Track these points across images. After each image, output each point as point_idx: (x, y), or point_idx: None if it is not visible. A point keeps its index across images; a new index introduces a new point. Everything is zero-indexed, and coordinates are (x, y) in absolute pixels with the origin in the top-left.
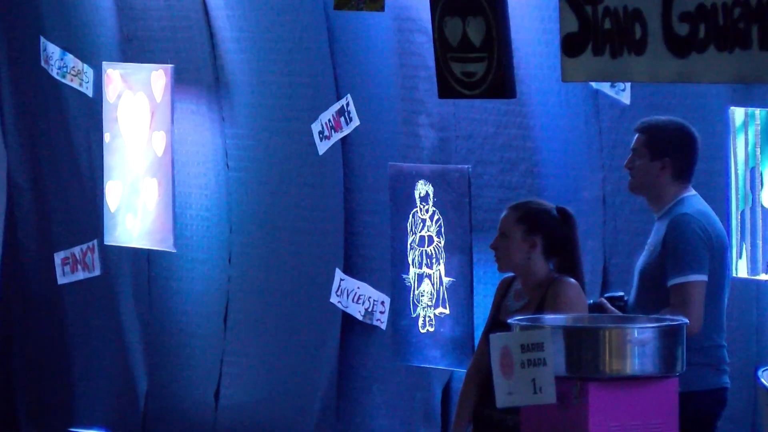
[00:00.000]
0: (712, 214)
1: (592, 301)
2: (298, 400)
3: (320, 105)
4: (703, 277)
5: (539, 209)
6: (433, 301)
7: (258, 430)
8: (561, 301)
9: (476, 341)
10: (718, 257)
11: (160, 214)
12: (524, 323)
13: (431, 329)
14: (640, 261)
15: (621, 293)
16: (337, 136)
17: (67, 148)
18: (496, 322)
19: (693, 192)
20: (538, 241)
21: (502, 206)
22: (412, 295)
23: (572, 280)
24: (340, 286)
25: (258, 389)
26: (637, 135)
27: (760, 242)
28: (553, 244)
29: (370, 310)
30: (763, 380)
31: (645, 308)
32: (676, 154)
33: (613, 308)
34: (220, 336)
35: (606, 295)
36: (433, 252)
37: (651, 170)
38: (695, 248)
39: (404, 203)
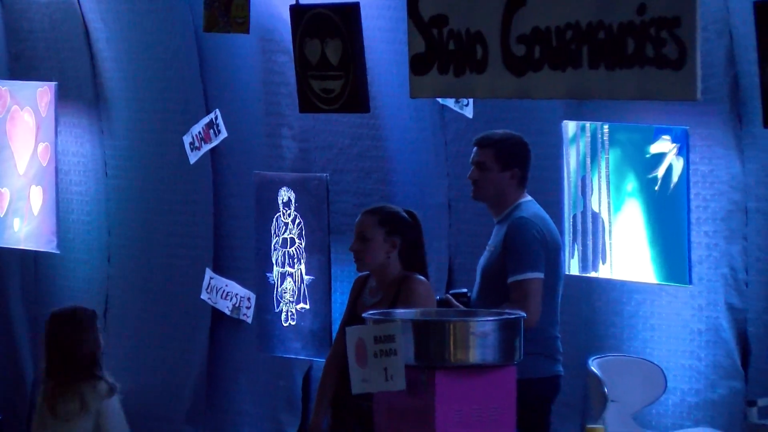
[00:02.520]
0: (547, 217)
1: (438, 297)
2: (171, 388)
3: (191, 118)
4: (540, 275)
5: (396, 212)
6: (295, 298)
7: (135, 416)
8: (412, 297)
9: (334, 334)
10: (552, 256)
11: (44, 219)
12: (377, 317)
13: (293, 323)
14: (482, 261)
15: (465, 290)
16: (206, 147)
17: None
18: (353, 317)
19: (529, 197)
20: (397, 241)
21: (358, 211)
22: (275, 292)
23: (422, 277)
24: (209, 283)
25: (135, 378)
26: (480, 149)
27: (590, 243)
28: (407, 244)
29: (237, 305)
30: (592, 368)
31: (487, 303)
32: (521, 163)
33: (458, 303)
34: (100, 329)
35: (451, 291)
36: (295, 252)
37: (502, 180)
38: (533, 248)
39: (268, 208)
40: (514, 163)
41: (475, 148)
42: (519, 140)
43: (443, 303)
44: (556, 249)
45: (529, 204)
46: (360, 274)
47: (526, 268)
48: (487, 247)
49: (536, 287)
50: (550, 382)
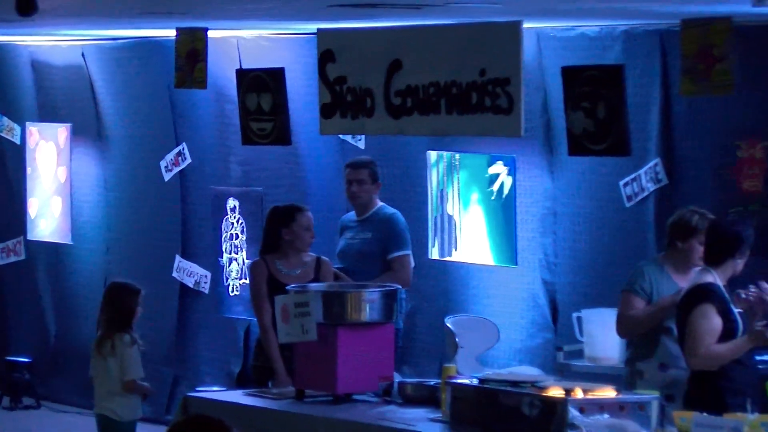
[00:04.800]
0: None
1: None
2: (151, 339)
3: (165, 149)
4: (410, 251)
5: None
6: (239, 275)
7: None
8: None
9: None
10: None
11: (62, 220)
12: (296, 289)
13: (237, 293)
14: (356, 246)
15: (345, 265)
16: (176, 169)
17: (4, 178)
18: (277, 285)
19: (382, 203)
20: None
21: None
22: (225, 271)
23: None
24: (178, 265)
25: None
26: (356, 169)
27: (446, 236)
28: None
29: (198, 281)
30: (447, 324)
31: (363, 276)
32: (379, 178)
33: (344, 275)
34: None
35: (336, 266)
36: (239, 244)
37: (371, 191)
38: (405, 233)
39: (220, 212)
40: (378, 178)
41: (349, 170)
42: (375, 162)
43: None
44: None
45: (386, 206)
46: (255, 260)
47: (403, 247)
48: (353, 239)
49: (409, 260)
50: (397, 333)
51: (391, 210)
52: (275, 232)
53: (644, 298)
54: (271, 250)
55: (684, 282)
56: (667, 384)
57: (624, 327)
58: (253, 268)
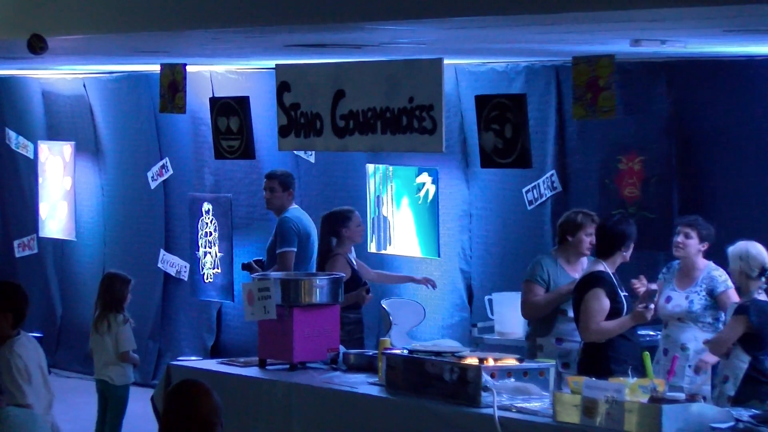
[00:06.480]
0: (305, 216)
1: (243, 262)
2: (140, 318)
3: (151, 162)
4: (293, 249)
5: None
6: (212, 265)
7: None
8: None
9: (235, 290)
10: (304, 239)
11: (68, 220)
12: (259, 276)
13: (211, 280)
14: (269, 243)
15: (261, 258)
16: (161, 179)
17: (19, 186)
18: (354, 273)
19: (296, 206)
20: None
21: (250, 216)
22: (201, 263)
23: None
24: (162, 258)
25: None
26: (269, 180)
27: (382, 233)
28: None
29: (179, 270)
30: (383, 305)
31: (272, 265)
32: (292, 186)
33: (257, 266)
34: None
35: (254, 258)
36: (212, 239)
37: (283, 197)
38: (289, 233)
39: (196, 214)
40: (290, 186)
41: (265, 179)
42: (290, 173)
43: (248, 266)
44: (308, 235)
45: (294, 210)
46: (336, 255)
47: (284, 245)
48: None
49: (290, 255)
50: None
51: (287, 213)
52: (334, 232)
53: (543, 286)
54: (330, 247)
55: (573, 271)
56: (562, 354)
57: (527, 311)
58: (338, 263)
